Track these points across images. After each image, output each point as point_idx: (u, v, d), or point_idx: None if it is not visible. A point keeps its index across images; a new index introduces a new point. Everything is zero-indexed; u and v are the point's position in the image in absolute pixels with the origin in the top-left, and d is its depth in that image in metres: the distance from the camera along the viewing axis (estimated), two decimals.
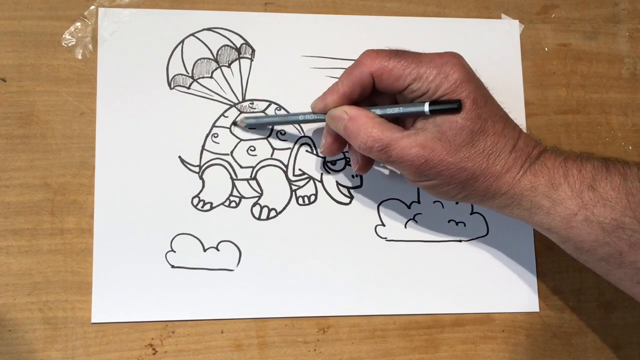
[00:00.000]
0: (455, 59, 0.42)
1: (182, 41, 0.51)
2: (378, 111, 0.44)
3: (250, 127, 0.50)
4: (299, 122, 0.50)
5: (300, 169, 0.51)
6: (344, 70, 0.52)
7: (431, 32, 0.53)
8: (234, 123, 0.50)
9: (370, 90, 0.44)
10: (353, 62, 0.44)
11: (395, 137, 0.42)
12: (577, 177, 0.42)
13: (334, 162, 0.51)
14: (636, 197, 0.40)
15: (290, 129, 0.51)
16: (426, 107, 0.42)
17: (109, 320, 0.47)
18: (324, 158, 0.51)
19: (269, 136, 0.51)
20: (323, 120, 0.46)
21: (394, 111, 0.44)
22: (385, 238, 0.51)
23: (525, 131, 0.53)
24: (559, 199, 0.42)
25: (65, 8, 0.50)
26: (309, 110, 0.47)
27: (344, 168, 0.51)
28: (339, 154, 0.48)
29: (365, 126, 0.43)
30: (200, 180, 0.49)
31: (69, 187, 0.48)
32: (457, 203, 0.51)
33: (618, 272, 0.42)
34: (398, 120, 0.45)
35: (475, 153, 0.42)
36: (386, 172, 0.51)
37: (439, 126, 0.42)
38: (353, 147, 0.45)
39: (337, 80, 0.45)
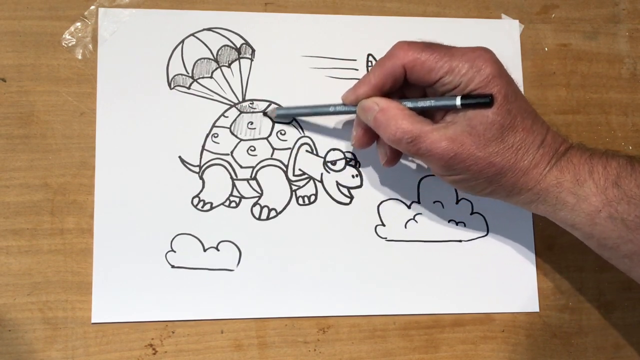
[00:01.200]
0: (487, 54, 0.43)
1: (182, 41, 0.51)
2: (409, 104, 0.44)
3: (280, 118, 0.50)
4: (329, 114, 0.49)
5: (300, 169, 0.51)
6: (343, 70, 0.52)
7: (431, 32, 0.53)
8: (264, 113, 0.50)
9: (402, 83, 0.44)
10: (385, 54, 0.44)
11: (425, 130, 0.42)
12: (602, 173, 0.42)
13: (334, 162, 0.51)
14: None
15: (290, 129, 0.51)
16: (458, 101, 0.42)
17: (109, 320, 0.47)
18: (324, 158, 0.51)
19: (269, 136, 0.51)
20: (353, 112, 0.46)
21: (425, 104, 0.44)
22: (385, 238, 0.51)
23: None
24: (584, 195, 0.42)
25: (65, 8, 0.50)
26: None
27: (344, 168, 0.51)
28: (369, 146, 0.48)
29: (395, 118, 0.43)
30: (200, 180, 0.49)
31: (69, 187, 0.48)
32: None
33: None
34: (427, 114, 0.45)
35: (504, 148, 0.42)
36: (386, 172, 0.51)
37: (470, 120, 0.42)
38: (382, 139, 0.45)
39: (366, 72, 0.45)
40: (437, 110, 0.44)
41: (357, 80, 0.46)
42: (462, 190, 0.45)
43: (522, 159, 0.42)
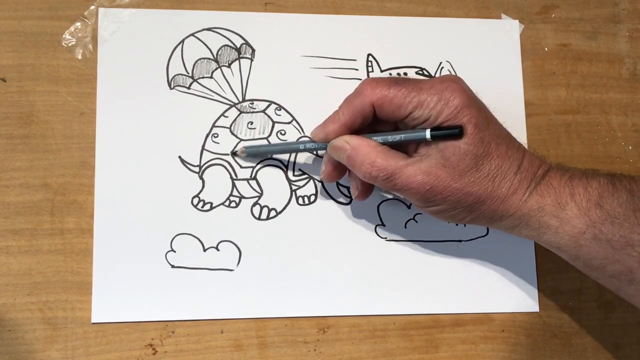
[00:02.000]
0: (455, 84, 0.42)
1: (182, 41, 0.51)
2: (380, 139, 0.44)
3: (249, 157, 0.50)
4: (299, 151, 0.50)
5: (300, 169, 0.51)
6: (343, 70, 0.52)
7: (431, 32, 0.53)
8: (234, 153, 0.50)
9: (372, 119, 0.44)
10: (353, 91, 0.44)
11: (399, 165, 0.42)
12: (583, 195, 0.41)
13: None
14: None
15: (290, 129, 0.51)
16: (428, 134, 0.42)
17: (109, 320, 0.47)
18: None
19: (269, 136, 0.51)
20: (323, 149, 0.46)
21: (396, 138, 0.43)
22: (385, 238, 0.51)
23: (525, 131, 0.53)
24: (567, 218, 0.41)
25: (65, 8, 0.50)
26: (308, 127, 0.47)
27: None
28: (339, 179, 0.48)
29: (369, 156, 0.43)
30: (200, 180, 0.49)
31: (69, 187, 0.48)
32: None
33: (629, 289, 0.42)
34: (401, 147, 0.45)
35: (480, 177, 0.42)
36: None
37: (442, 152, 0.42)
38: (357, 176, 0.44)
39: (336, 107, 0.45)
40: (410, 143, 0.44)
41: (327, 118, 0.45)
42: (444, 220, 0.45)
43: (500, 186, 0.42)
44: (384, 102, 0.43)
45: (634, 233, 0.40)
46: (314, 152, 0.50)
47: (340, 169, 0.46)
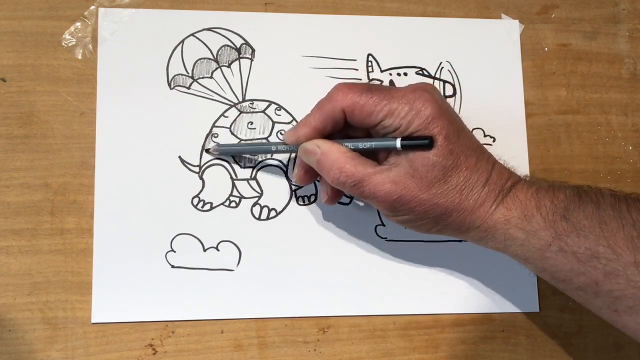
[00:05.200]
0: (427, 94, 0.42)
1: (182, 41, 0.51)
2: (350, 145, 0.44)
3: (222, 155, 0.50)
4: (271, 152, 0.49)
5: None
6: (343, 70, 0.52)
7: (431, 32, 0.53)
8: (207, 150, 0.50)
9: (343, 124, 0.44)
10: (325, 95, 0.44)
11: (368, 173, 0.42)
12: (549, 207, 0.41)
13: None
14: (609, 225, 0.40)
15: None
16: (398, 143, 0.42)
17: (109, 320, 0.47)
18: None
19: (269, 136, 0.51)
20: (295, 151, 0.46)
21: (366, 145, 0.43)
22: (385, 238, 0.51)
23: (525, 131, 0.53)
24: (533, 231, 0.41)
25: (65, 8, 0.50)
26: (283, 135, 0.46)
27: None
28: (311, 183, 0.48)
29: (338, 161, 0.43)
30: (200, 180, 0.49)
31: (69, 187, 0.48)
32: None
33: (595, 301, 0.41)
34: (371, 154, 0.44)
35: (448, 189, 0.42)
36: None
37: (412, 162, 0.42)
38: (326, 180, 0.44)
39: (309, 112, 0.44)
40: (380, 151, 0.44)
41: (299, 121, 0.45)
42: (411, 230, 0.45)
43: (467, 199, 0.42)
44: (354, 108, 0.42)
45: (599, 245, 0.40)
46: (281, 161, 0.50)
47: (312, 172, 0.46)
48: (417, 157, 0.42)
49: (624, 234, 0.39)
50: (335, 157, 0.43)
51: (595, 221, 0.40)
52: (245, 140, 0.50)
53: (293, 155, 0.50)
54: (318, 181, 0.49)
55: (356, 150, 0.44)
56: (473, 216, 0.42)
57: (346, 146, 0.43)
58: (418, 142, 0.41)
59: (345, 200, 0.51)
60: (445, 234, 0.44)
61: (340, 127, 0.44)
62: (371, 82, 0.43)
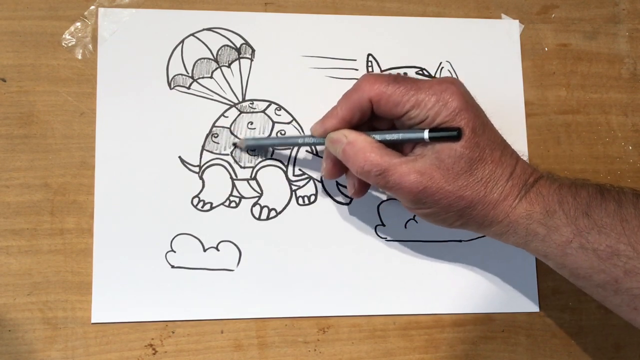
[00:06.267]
0: (454, 86, 0.42)
1: (182, 41, 0.51)
2: (377, 136, 0.44)
3: (251, 149, 0.50)
4: (298, 145, 0.50)
5: (300, 169, 0.51)
6: (343, 70, 0.52)
7: (431, 32, 0.53)
8: (234, 144, 0.50)
9: (370, 115, 0.44)
10: (352, 86, 0.44)
11: (393, 163, 0.42)
12: (571, 204, 0.41)
13: None
14: (631, 223, 0.40)
15: (290, 129, 0.51)
16: (426, 134, 0.42)
17: (109, 320, 0.47)
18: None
19: (269, 136, 0.51)
20: (322, 144, 0.46)
21: (393, 137, 0.43)
22: (385, 238, 0.51)
23: (525, 131, 0.53)
24: (554, 226, 0.41)
25: (65, 8, 0.50)
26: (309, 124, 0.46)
27: None
28: (339, 177, 0.48)
29: (364, 150, 0.43)
30: (200, 180, 0.49)
31: (69, 187, 0.48)
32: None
33: (615, 299, 0.41)
34: (396, 146, 0.44)
35: (474, 181, 0.42)
36: None
37: (438, 153, 0.42)
38: (351, 171, 0.44)
39: (335, 104, 0.45)
40: (406, 142, 0.44)
41: (326, 113, 0.45)
42: (433, 224, 0.45)
43: (492, 192, 0.42)
44: (381, 98, 0.43)
45: (620, 243, 0.40)
46: (312, 150, 0.50)
47: (340, 165, 0.46)
48: (443, 148, 0.42)
49: None
50: (362, 146, 0.43)
51: (616, 219, 0.40)
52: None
53: (294, 155, 0.50)
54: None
55: (383, 141, 0.44)
56: (496, 210, 0.42)
57: (373, 137, 0.44)
58: (446, 134, 0.41)
59: (345, 200, 0.51)
60: (467, 229, 0.44)
61: (366, 118, 0.44)
62: (397, 74, 0.44)
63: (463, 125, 0.41)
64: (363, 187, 0.47)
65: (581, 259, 0.41)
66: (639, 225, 0.40)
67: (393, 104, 0.42)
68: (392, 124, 0.45)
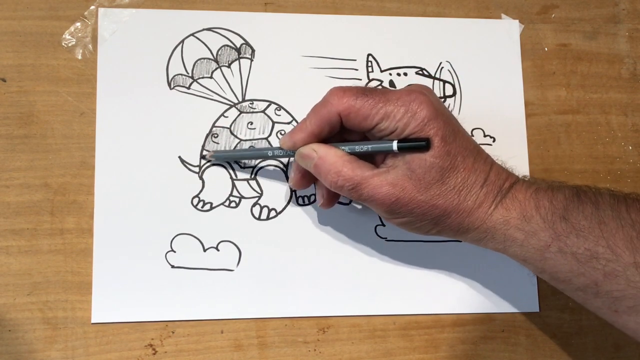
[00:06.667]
0: (423, 96, 0.42)
1: (182, 41, 0.51)
2: (347, 148, 0.43)
3: (218, 160, 0.50)
4: (267, 158, 0.49)
5: None
6: (343, 70, 0.52)
7: (431, 32, 0.53)
8: (203, 157, 0.50)
9: (339, 128, 0.44)
10: (320, 100, 0.44)
11: (365, 176, 0.42)
12: (548, 208, 0.41)
13: None
14: (608, 225, 0.40)
15: (290, 129, 0.51)
16: (394, 146, 0.42)
17: (109, 320, 0.47)
18: None
19: (269, 136, 0.51)
20: (292, 156, 0.46)
21: (363, 149, 0.43)
22: (385, 238, 0.51)
23: (525, 131, 0.53)
24: (532, 231, 0.41)
25: (65, 8, 0.50)
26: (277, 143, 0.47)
27: None
28: (308, 187, 0.48)
29: (335, 165, 0.43)
30: (200, 181, 0.49)
31: (69, 187, 0.48)
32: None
33: (595, 302, 0.41)
34: (368, 157, 0.44)
35: (446, 190, 0.42)
36: None
37: (409, 164, 0.42)
38: (324, 184, 0.44)
39: (305, 117, 0.44)
40: (377, 153, 0.44)
41: (294, 126, 0.45)
42: (410, 232, 0.45)
43: (466, 199, 0.42)
44: (350, 112, 0.42)
45: (599, 246, 0.40)
46: (281, 164, 0.50)
47: (308, 177, 0.46)
48: (414, 159, 0.42)
49: (623, 234, 0.39)
50: (333, 161, 0.43)
51: (594, 222, 0.40)
52: (245, 140, 0.50)
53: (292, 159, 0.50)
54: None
55: (353, 153, 0.43)
56: (472, 217, 0.42)
57: (343, 150, 0.43)
58: (414, 144, 0.41)
59: (345, 200, 0.51)
60: (444, 236, 0.44)
61: (336, 131, 0.44)
62: (368, 84, 0.43)
63: (432, 135, 0.41)
64: (332, 198, 0.47)
65: (560, 263, 0.41)
66: (617, 228, 0.40)
67: (362, 117, 0.42)
68: (363, 135, 0.45)
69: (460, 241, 0.51)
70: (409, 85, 0.44)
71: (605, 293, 0.40)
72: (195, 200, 0.49)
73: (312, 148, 0.44)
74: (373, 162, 0.44)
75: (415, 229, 0.44)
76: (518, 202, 0.42)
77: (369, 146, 0.43)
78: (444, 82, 0.53)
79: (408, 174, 0.42)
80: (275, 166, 0.50)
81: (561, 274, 0.41)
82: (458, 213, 0.42)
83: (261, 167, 0.50)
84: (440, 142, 0.41)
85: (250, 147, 0.50)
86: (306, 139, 0.44)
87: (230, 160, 0.50)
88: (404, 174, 0.42)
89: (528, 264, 0.43)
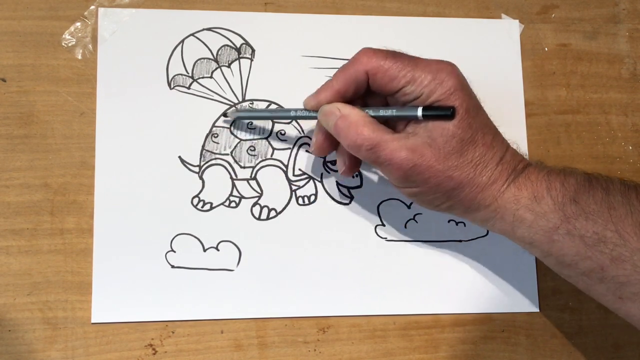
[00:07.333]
0: (450, 67, 0.42)
1: (182, 41, 0.51)
2: (371, 112, 0.43)
3: (240, 120, 0.50)
4: (290, 118, 0.49)
5: (300, 169, 0.51)
6: None
7: (431, 32, 0.53)
8: (224, 114, 0.50)
9: (364, 89, 0.44)
10: (349, 59, 0.44)
11: (385, 138, 0.42)
12: (559, 190, 0.41)
13: (334, 162, 0.51)
14: (618, 211, 0.40)
15: (290, 129, 0.51)
16: (419, 112, 0.42)
17: (109, 320, 0.47)
18: (324, 158, 0.51)
19: (269, 136, 0.51)
20: (315, 118, 0.45)
21: (387, 113, 0.43)
22: (385, 238, 0.51)
23: (525, 131, 0.54)
24: (542, 212, 0.41)
25: (65, 8, 0.50)
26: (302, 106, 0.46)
27: None
28: (329, 154, 0.47)
29: (357, 124, 0.42)
30: (200, 180, 0.49)
31: (69, 187, 0.48)
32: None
33: (600, 287, 0.41)
34: (389, 124, 0.44)
35: (464, 162, 0.42)
36: None
37: (430, 132, 0.42)
38: (342, 145, 0.44)
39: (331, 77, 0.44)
40: (398, 120, 0.44)
41: (320, 86, 0.45)
42: (420, 205, 0.45)
43: (481, 174, 0.42)
44: (378, 71, 0.42)
45: (607, 230, 0.40)
46: (298, 126, 0.50)
47: (331, 140, 0.46)
48: (436, 127, 0.42)
49: (632, 220, 0.40)
50: (354, 120, 0.43)
51: (604, 206, 0.40)
52: (245, 140, 0.50)
53: (294, 155, 0.50)
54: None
55: (376, 117, 0.43)
56: (485, 193, 0.42)
57: (367, 112, 0.43)
58: (440, 112, 0.41)
59: (345, 200, 0.51)
60: (453, 212, 0.44)
61: (361, 93, 0.44)
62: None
63: (457, 105, 0.41)
64: (354, 164, 0.46)
65: (568, 246, 0.41)
66: (626, 214, 0.40)
67: (389, 79, 0.42)
68: (385, 102, 0.45)
69: (461, 241, 0.51)
70: None
71: (610, 278, 0.40)
72: (195, 200, 0.49)
73: (335, 106, 0.44)
74: (394, 130, 0.44)
75: (427, 201, 0.44)
76: (530, 182, 0.42)
77: (394, 111, 0.43)
78: None
79: (428, 142, 0.42)
80: (276, 166, 0.50)
81: (567, 257, 0.41)
82: (472, 187, 0.42)
83: (261, 167, 0.50)
84: (465, 114, 0.41)
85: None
86: (330, 97, 0.44)
87: (253, 120, 0.50)
88: (424, 141, 0.42)
89: (534, 248, 0.43)
